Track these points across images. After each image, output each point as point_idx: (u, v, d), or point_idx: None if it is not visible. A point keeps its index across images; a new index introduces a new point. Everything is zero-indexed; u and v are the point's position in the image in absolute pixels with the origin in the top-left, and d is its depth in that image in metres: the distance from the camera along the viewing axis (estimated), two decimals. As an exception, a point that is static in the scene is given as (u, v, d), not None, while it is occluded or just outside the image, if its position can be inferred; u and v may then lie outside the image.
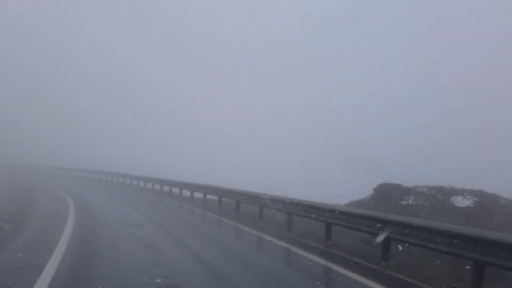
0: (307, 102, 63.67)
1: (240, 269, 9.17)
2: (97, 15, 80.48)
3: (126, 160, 46.75)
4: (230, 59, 73.88)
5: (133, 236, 12.69)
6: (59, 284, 7.48)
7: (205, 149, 56.95)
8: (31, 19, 76.25)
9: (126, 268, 8.96)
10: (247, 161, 49.36)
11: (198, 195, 24.02)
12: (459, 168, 34.37)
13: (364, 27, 74.21)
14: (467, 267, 7.92)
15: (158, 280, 7.75)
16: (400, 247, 10.14)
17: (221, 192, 21.19)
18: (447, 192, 15.37)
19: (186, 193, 25.47)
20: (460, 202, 14.75)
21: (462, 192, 15.20)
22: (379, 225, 10.00)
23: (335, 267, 9.54)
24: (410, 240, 9.15)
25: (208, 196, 22.88)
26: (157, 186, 30.92)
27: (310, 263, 10.07)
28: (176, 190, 27.27)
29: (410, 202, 15.63)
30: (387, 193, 16.25)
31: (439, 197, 15.35)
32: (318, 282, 8.67)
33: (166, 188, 29.61)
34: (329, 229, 12.18)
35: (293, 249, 11.55)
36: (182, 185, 26.33)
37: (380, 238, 9.73)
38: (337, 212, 11.90)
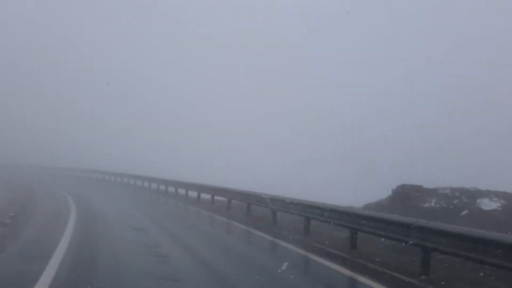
0: (307, 102, 63.68)
1: (262, 284, 8.25)
2: (97, 15, 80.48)
3: (126, 160, 46.75)
4: (230, 59, 73.90)
5: (140, 245, 11.29)
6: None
7: (205, 149, 56.96)
8: (31, 19, 76.23)
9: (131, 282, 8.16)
10: (247, 161, 49.36)
11: (205, 196, 23.27)
12: (459, 168, 34.36)
13: (364, 27, 74.22)
14: None
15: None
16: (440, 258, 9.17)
17: (230, 193, 20.07)
18: (472, 194, 14.47)
19: (192, 194, 24.69)
20: (487, 205, 13.79)
21: (487, 194, 14.30)
22: (420, 235, 8.80)
23: (368, 282, 8.33)
24: (459, 252, 8.04)
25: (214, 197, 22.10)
26: (162, 187, 30.67)
27: (337, 275, 9.14)
28: (181, 191, 26.36)
29: (432, 204, 14.67)
30: (407, 195, 15.39)
31: (463, 199, 14.44)
32: None
33: (164, 188, 29.60)
34: (354, 236, 11.08)
35: (314, 257, 10.48)
36: (188, 186, 25.38)
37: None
38: (365, 217, 10.73)
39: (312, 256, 10.66)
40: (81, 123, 66.48)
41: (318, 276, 9.54)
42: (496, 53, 61.31)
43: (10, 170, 45.95)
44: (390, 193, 16.20)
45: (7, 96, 67.04)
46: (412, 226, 9.06)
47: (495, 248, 7.15)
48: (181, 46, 78.99)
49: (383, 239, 10.58)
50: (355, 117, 60.43)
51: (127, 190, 32.40)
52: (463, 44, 64.10)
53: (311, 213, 13.11)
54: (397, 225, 9.64)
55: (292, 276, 8.83)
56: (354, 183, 34.51)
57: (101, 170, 43.74)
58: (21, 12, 77.01)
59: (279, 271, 8.98)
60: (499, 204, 13.84)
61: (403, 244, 9.69)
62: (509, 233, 8.47)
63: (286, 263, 9.26)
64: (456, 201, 14.44)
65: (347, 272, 9.22)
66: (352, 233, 11.13)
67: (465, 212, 13.68)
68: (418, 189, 15.53)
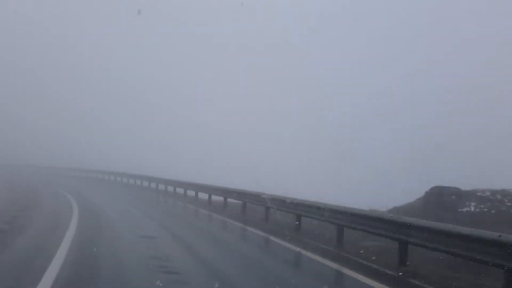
0: (307, 102, 63.70)
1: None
2: (97, 15, 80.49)
3: (126, 160, 46.75)
4: (230, 59, 73.94)
5: (150, 260, 9.43)
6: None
7: (205, 149, 56.97)
8: (31, 19, 76.25)
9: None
10: (247, 161, 49.36)
11: (214, 197, 21.95)
12: (459, 168, 34.37)
13: (364, 27, 74.23)
14: None
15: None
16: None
17: (244, 196, 18.33)
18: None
19: (203, 195, 23.45)
20: None
21: None
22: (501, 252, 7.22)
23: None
24: None
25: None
26: (161, 186, 30.66)
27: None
28: (188, 192, 25.31)
29: (472, 209, 13.51)
30: (442, 198, 14.23)
31: (506, 202, 13.34)
32: None
33: (163, 188, 29.60)
34: (404, 249, 9.33)
35: (360, 278, 8.50)
36: (196, 187, 24.23)
37: None
38: (418, 227, 8.97)
39: (357, 276, 8.66)
40: (81, 123, 66.52)
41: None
42: (496, 53, 61.34)
43: (11, 170, 45.93)
44: (412, 195, 15.05)
45: (7, 96, 67.07)
46: (493, 241, 7.34)
47: None
48: (181, 46, 79.09)
49: (438, 253, 8.95)
50: (355, 117, 60.48)
51: (128, 190, 32.36)
52: (463, 44, 64.15)
53: (345, 221, 11.41)
54: (468, 239, 7.84)
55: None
56: (355, 183, 34.52)
57: (101, 170, 43.78)
58: (21, 12, 77.08)
59: None
60: None
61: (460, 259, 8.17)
62: None
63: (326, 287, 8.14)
64: (498, 205, 13.17)
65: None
66: (401, 247, 9.38)
67: (509, 216, 12.26)
68: (454, 191, 14.39)
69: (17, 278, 7.57)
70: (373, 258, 10.01)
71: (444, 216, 12.09)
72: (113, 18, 79.51)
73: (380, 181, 34.93)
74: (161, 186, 30.02)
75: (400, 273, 8.81)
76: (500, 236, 7.29)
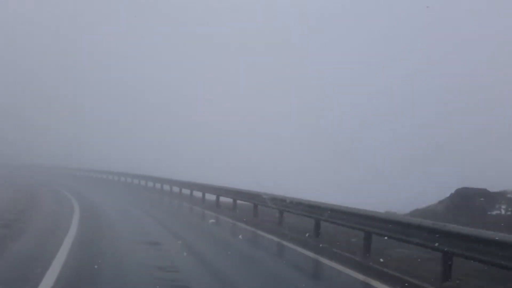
0: (307, 102, 63.69)
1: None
2: (97, 15, 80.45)
3: (126, 160, 46.76)
4: (230, 59, 73.91)
5: (157, 271, 8.60)
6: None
7: (205, 149, 56.96)
8: (31, 19, 76.24)
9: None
10: (247, 161, 49.35)
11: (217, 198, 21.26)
12: (459, 168, 34.36)
13: (364, 27, 74.23)
14: None
15: None
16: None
17: (257, 198, 16.97)
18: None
19: (209, 196, 22.79)
20: None
21: None
22: None
23: None
24: None
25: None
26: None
27: None
28: (197, 193, 24.42)
29: (502, 212, 12.52)
30: (469, 200, 13.30)
31: None
32: None
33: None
34: (448, 262, 8.29)
35: None
36: (203, 188, 23.24)
37: None
38: (466, 237, 7.94)
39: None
40: (81, 123, 66.52)
41: None
42: (496, 53, 61.35)
43: (11, 170, 45.97)
44: (436, 196, 14.08)
45: (7, 96, 67.09)
46: None
47: None
48: (181, 46, 79.06)
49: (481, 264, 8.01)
50: (355, 117, 60.48)
51: (129, 190, 32.36)
52: (463, 44, 64.13)
53: (375, 227, 10.28)
54: None
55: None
56: (355, 183, 34.51)
57: (101, 169, 43.82)
58: (21, 12, 77.06)
59: None
60: None
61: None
62: None
63: None
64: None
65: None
66: (445, 258, 8.32)
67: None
68: (482, 193, 13.33)
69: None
70: (407, 269, 9.07)
71: (472, 221, 10.92)
72: (113, 18, 79.51)
73: (380, 181, 34.94)
74: (166, 187, 29.80)
75: None
76: None
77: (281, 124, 60.22)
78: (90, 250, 10.37)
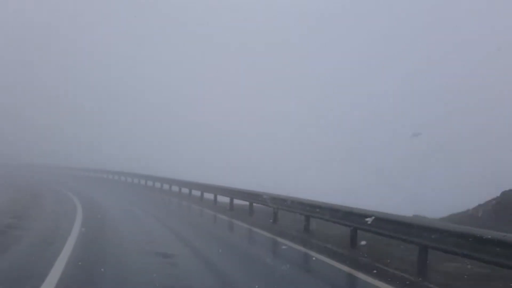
0: (307, 102, 63.68)
1: None
2: (97, 15, 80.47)
3: (126, 160, 46.79)
4: (230, 59, 73.92)
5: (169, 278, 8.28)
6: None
7: (205, 149, 56.97)
8: (31, 19, 76.22)
9: None
10: (247, 161, 49.35)
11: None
12: (459, 168, 34.37)
13: (364, 27, 74.23)
14: None
15: None
16: None
17: (278, 201, 15.84)
18: None
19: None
20: None
21: None
22: None
23: None
24: None
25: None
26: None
27: None
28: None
29: None
30: None
31: None
32: None
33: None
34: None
35: None
36: (216, 190, 22.57)
37: None
38: None
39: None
40: (80, 123, 66.55)
41: None
42: (496, 53, 61.33)
43: (11, 170, 45.96)
44: (476, 200, 12.82)
45: (8, 96, 67.07)
46: None
47: None
48: (181, 46, 79.07)
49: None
50: (355, 117, 60.47)
51: (130, 190, 32.35)
52: (463, 44, 64.12)
53: (431, 240, 8.61)
54: None
55: None
56: (355, 183, 34.46)
57: (100, 169, 43.88)
58: (20, 12, 77.06)
59: None
60: None
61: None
62: None
63: None
64: None
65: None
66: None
67: None
68: None
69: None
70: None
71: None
72: (113, 18, 79.52)
73: (380, 181, 34.93)
74: (166, 187, 29.82)
75: None
76: None
77: (281, 124, 60.26)
78: (92, 251, 10.34)
